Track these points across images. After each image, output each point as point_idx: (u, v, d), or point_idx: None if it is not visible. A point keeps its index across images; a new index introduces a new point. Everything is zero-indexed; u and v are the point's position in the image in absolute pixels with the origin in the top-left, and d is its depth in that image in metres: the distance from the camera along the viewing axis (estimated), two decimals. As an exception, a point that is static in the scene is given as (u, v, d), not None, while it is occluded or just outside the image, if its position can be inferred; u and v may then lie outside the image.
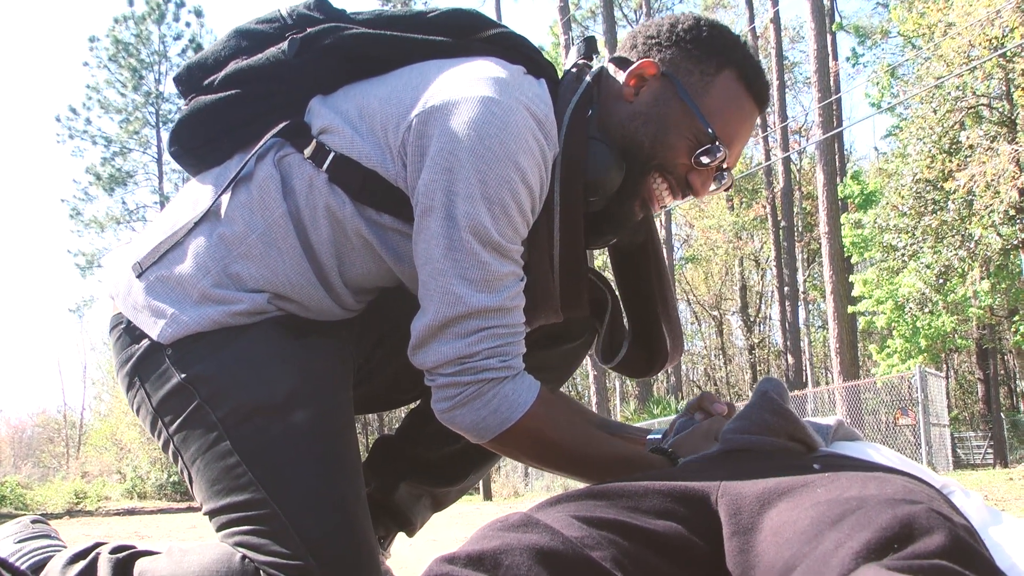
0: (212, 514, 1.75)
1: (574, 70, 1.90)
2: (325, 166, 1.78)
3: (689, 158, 1.82)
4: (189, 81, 1.98)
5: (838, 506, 1.03)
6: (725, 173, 1.88)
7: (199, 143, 1.97)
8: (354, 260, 1.85)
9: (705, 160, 1.81)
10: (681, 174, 1.84)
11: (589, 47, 1.97)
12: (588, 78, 1.87)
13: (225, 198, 1.85)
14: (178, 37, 40.57)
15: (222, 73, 1.93)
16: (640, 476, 1.41)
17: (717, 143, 1.80)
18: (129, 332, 1.85)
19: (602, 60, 1.94)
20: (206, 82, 1.95)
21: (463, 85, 1.70)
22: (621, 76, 1.85)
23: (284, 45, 1.88)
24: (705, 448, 1.72)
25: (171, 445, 1.82)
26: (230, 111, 1.91)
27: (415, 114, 1.70)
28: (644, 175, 1.84)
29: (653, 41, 1.85)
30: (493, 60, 1.81)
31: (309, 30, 1.87)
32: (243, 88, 1.90)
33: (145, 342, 1.82)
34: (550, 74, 1.89)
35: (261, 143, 1.84)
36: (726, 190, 1.95)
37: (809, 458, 1.37)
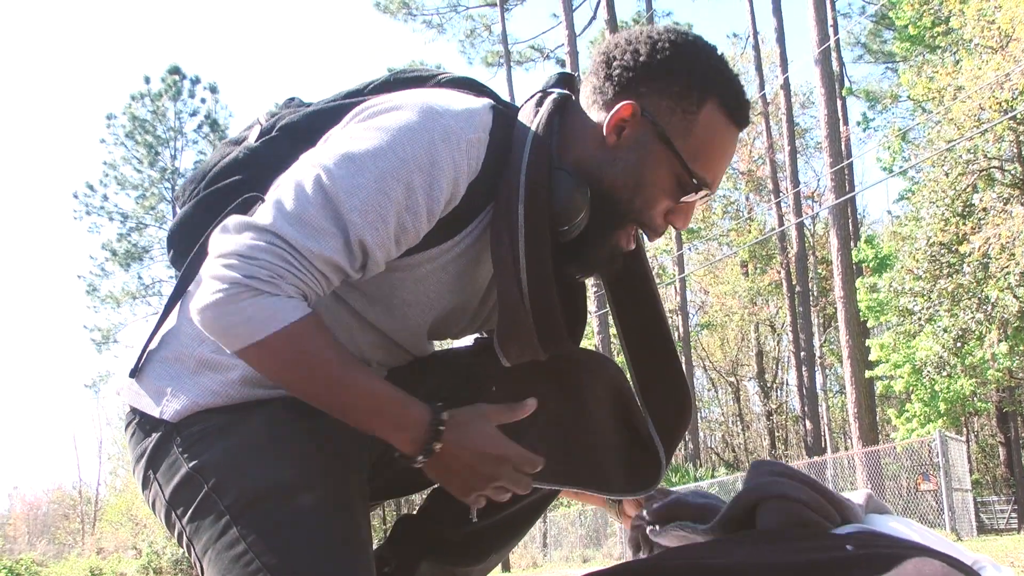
0: None
1: (536, 96, 1.87)
2: None
3: (671, 200, 1.78)
4: (183, 195, 2.05)
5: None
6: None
7: (188, 246, 1.97)
8: (329, 317, 1.82)
9: (686, 201, 1.78)
10: (659, 222, 1.80)
11: (566, 82, 1.93)
12: (550, 105, 1.83)
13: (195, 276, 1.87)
14: (194, 113, 41.02)
15: (205, 180, 1.99)
16: (671, 554, 1.39)
17: (699, 185, 1.75)
18: (141, 427, 1.85)
19: (572, 85, 1.92)
20: (194, 191, 2.01)
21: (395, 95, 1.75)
22: (597, 113, 1.80)
23: (251, 138, 1.97)
24: (477, 446, 1.70)
25: (184, 536, 1.80)
26: (210, 210, 1.93)
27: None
28: (619, 228, 1.81)
29: (629, 75, 1.77)
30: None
31: (272, 120, 1.95)
32: (221, 185, 1.95)
33: (155, 435, 1.81)
34: (505, 105, 1.88)
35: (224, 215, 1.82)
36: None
37: (841, 537, 1.35)
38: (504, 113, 1.81)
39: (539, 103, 1.84)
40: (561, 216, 1.76)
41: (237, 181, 1.94)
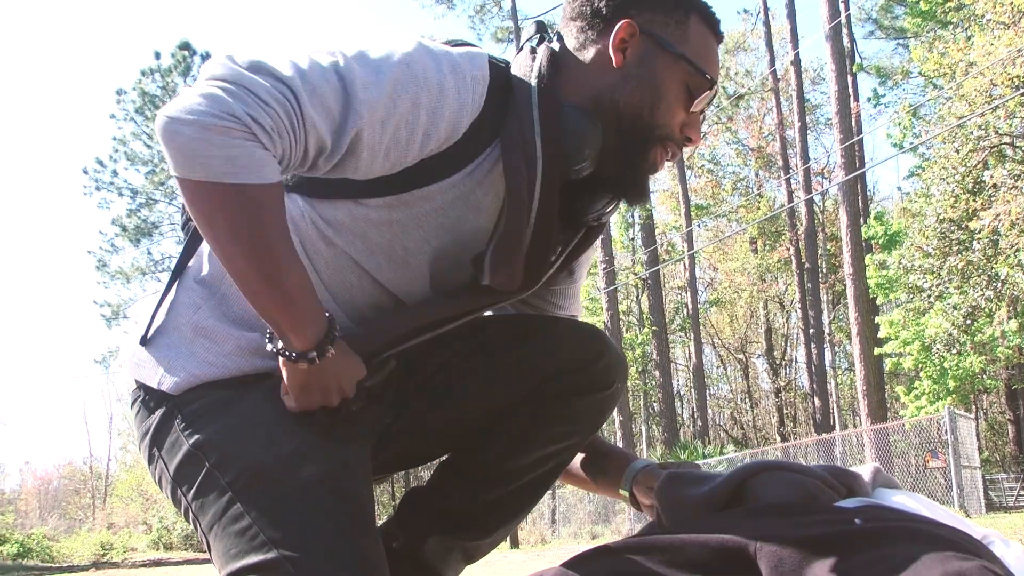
0: None
1: (525, 48, 1.90)
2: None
3: (684, 110, 1.83)
4: None
5: (884, 561, 1.01)
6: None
7: None
8: (330, 273, 1.83)
9: (701, 107, 1.84)
10: (679, 136, 1.85)
11: (540, 29, 1.95)
12: (546, 50, 1.85)
13: (197, 246, 1.88)
14: (203, 89, 40.99)
15: None
16: (676, 528, 1.39)
17: (709, 81, 1.82)
18: (145, 404, 1.86)
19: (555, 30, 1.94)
20: None
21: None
22: (592, 47, 1.84)
23: None
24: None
25: (190, 513, 1.81)
26: None
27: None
28: (648, 148, 1.83)
29: (616, 2, 1.84)
30: None
31: None
32: None
33: (159, 413, 1.82)
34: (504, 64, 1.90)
35: None
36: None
37: (850, 511, 1.35)
38: (500, 62, 1.84)
39: (532, 52, 1.86)
40: (573, 153, 1.78)
41: None
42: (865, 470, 1.73)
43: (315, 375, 1.70)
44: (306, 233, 1.80)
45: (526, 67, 1.83)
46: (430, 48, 1.70)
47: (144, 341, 1.88)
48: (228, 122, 1.49)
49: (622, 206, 2.05)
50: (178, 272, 1.93)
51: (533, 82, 1.78)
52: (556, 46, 1.88)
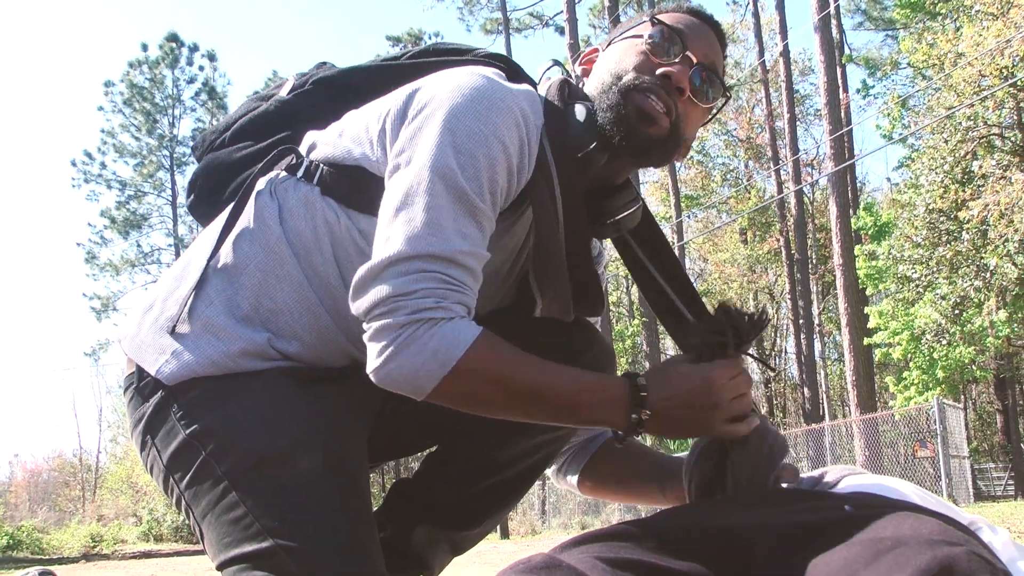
0: (222, 566, 1.73)
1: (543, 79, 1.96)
2: (316, 179, 1.81)
3: (655, 57, 1.85)
4: (203, 145, 2.09)
5: (872, 546, 1.01)
6: (710, 75, 1.89)
7: (212, 191, 2.03)
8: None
9: (659, 42, 1.85)
10: (652, 78, 1.84)
11: (556, 64, 2.02)
12: (558, 77, 1.93)
13: (227, 235, 1.87)
14: (191, 81, 40.92)
15: (230, 131, 2.04)
16: (665, 515, 1.39)
17: (659, 22, 1.86)
18: (140, 391, 1.85)
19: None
20: (217, 141, 2.05)
21: (442, 73, 1.77)
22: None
23: (283, 91, 2.02)
24: (680, 388, 1.68)
25: (183, 502, 1.81)
26: (239, 159, 1.99)
27: (396, 100, 1.76)
28: (626, 100, 1.82)
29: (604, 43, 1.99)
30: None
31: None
32: (251, 138, 2.00)
33: (153, 400, 1.82)
34: (531, 83, 1.97)
35: (255, 175, 1.89)
36: (726, 96, 1.96)
37: (839, 498, 1.36)
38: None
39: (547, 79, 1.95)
40: (578, 139, 1.83)
41: (270, 135, 2.00)
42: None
43: (671, 414, 1.71)
44: (340, 237, 1.81)
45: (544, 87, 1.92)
46: (504, 100, 1.71)
47: (146, 321, 1.88)
48: (406, 332, 1.58)
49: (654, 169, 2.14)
50: (197, 257, 1.92)
51: (543, 96, 1.86)
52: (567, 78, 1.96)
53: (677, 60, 1.84)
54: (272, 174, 1.89)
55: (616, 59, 1.88)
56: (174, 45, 40.32)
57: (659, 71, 1.83)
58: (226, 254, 1.85)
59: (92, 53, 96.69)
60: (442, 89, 1.70)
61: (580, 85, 1.94)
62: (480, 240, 1.66)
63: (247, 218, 1.85)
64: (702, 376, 1.71)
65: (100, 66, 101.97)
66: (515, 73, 1.96)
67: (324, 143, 1.86)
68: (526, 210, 1.84)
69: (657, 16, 1.88)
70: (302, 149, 1.91)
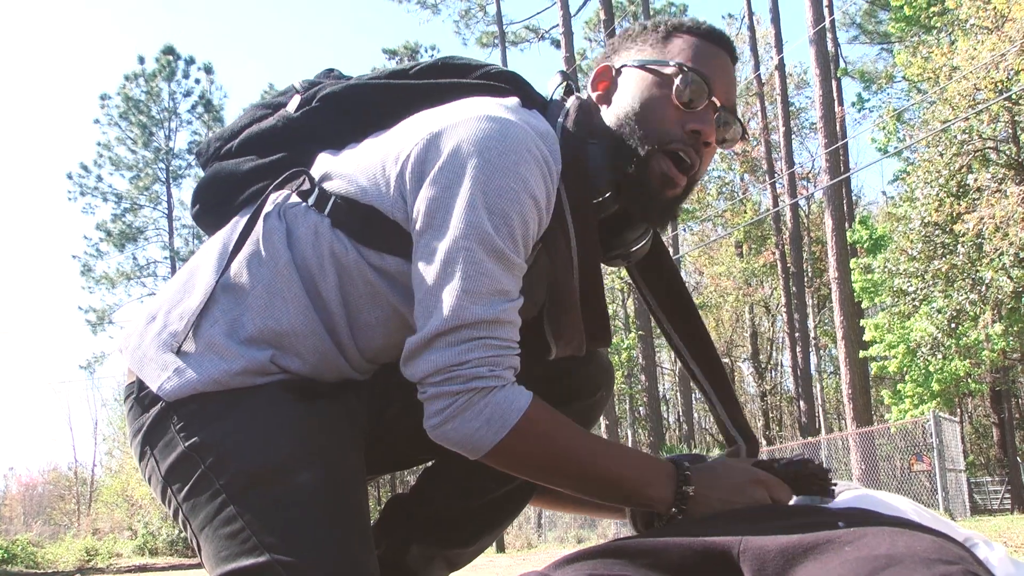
0: None
1: (557, 98, 1.94)
2: (327, 210, 1.80)
3: (680, 106, 1.81)
4: (208, 151, 2.06)
5: (868, 564, 1.01)
6: (730, 116, 1.87)
7: (218, 203, 2.01)
8: (362, 307, 1.84)
9: (688, 94, 1.81)
10: (681, 133, 1.82)
11: (566, 80, 2.00)
12: (571, 99, 1.91)
13: (235, 254, 1.86)
14: (188, 94, 41.05)
15: (237, 140, 2.01)
16: (659, 531, 1.39)
17: (689, 69, 1.80)
18: (140, 401, 1.85)
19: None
20: (223, 149, 2.03)
21: (461, 112, 1.73)
22: (590, 94, 1.93)
23: (291, 106, 1.98)
24: (726, 479, 1.70)
25: (180, 514, 1.81)
26: (246, 173, 1.97)
27: (414, 143, 1.72)
28: (648, 160, 1.81)
29: (608, 52, 1.96)
30: (488, 95, 1.85)
31: (312, 89, 1.97)
32: (257, 151, 1.97)
33: (153, 411, 1.81)
34: (543, 104, 1.94)
35: (265, 194, 1.88)
36: (743, 138, 1.96)
37: (832, 513, 1.35)
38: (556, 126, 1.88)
39: (562, 102, 1.93)
40: (596, 186, 1.83)
41: (277, 151, 1.97)
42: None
43: (708, 503, 1.71)
44: (347, 269, 1.81)
45: (558, 112, 1.89)
46: (528, 150, 1.69)
47: (156, 330, 1.87)
48: (461, 400, 1.63)
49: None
50: (203, 271, 1.91)
51: (558, 131, 1.83)
52: (585, 92, 1.95)
53: (703, 108, 1.82)
54: (282, 195, 1.88)
55: (639, 101, 1.83)
56: (170, 58, 40.43)
57: (689, 127, 1.81)
58: (233, 273, 1.85)
59: (88, 66, 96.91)
60: (466, 140, 1.67)
61: (594, 106, 1.91)
62: (517, 290, 1.69)
63: (256, 239, 1.84)
64: (750, 477, 1.75)
65: (96, 79, 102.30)
66: (527, 95, 1.94)
67: (337, 176, 1.83)
68: (539, 254, 1.84)
69: (688, 65, 1.81)
70: (314, 172, 1.89)
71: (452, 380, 1.62)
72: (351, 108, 1.93)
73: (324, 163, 1.89)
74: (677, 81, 1.80)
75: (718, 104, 1.83)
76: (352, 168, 1.81)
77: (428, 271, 1.65)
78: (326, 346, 1.85)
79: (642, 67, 1.85)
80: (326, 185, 1.83)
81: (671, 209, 1.88)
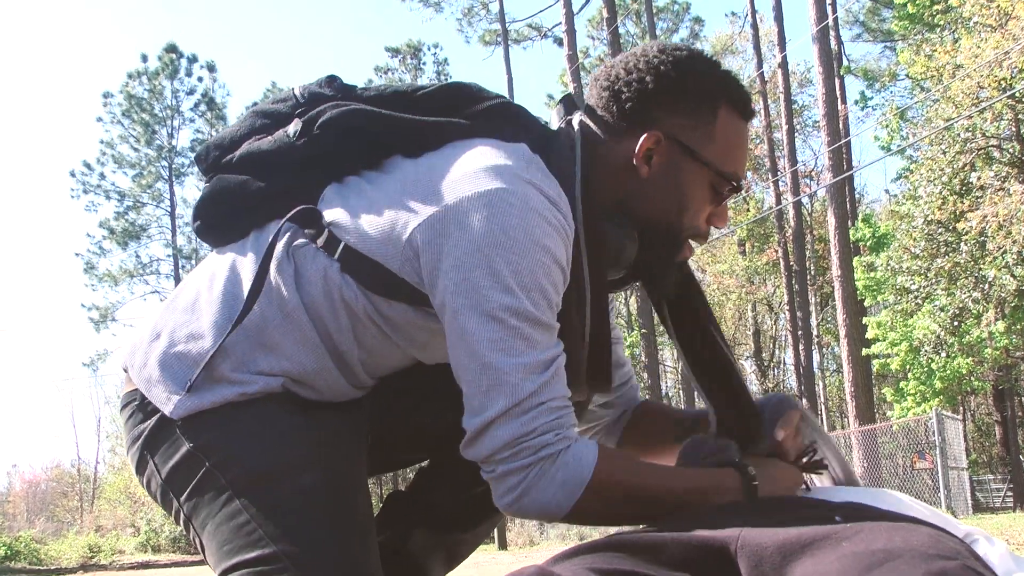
0: (225, 573, 1.74)
1: (562, 137, 1.88)
2: (336, 255, 1.77)
3: (712, 206, 1.87)
4: (207, 159, 2.02)
5: (865, 558, 1.01)
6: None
7: (219, 219, 1.99)
8: (373, 345, 1.85)
9: (726, 201, 1.88)
10: (705, 228, 1.89)
11: (569, 105, 1.97)
12: (579, 144, 1.85)
13: (244, 283, 1.84)
14: (191, 92, 41.00)
15: (237, 153, 1.96)
16: (658, 526, 1.39)
17: (734, 186, 1.84)
18: (141, 409, 1.85)
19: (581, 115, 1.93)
20: (224, 160, 1.98)
21: (471, 179, 1.68)
22: (617, 141, 1.85)
23: (291, 128, 1.90)
24: (783, 482, 1.74)
25: (182, 514, 1.82)
26: (247, 192, 1.93)
27: (427, 212, 1.68)
28: (677, 248, 1.88)
29: (641, 104, 1.83)
30: (494, 143, 1.80)
31: (312, 111, 1.90)
32: (257, 171, 1.93)
33: (155, 418, 1.82)
34: (547, 138, 1.89)
35: (275, 230, 1.83)
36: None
37: (829, 508, 1.35)
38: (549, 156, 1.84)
39: (571, 146, 1.86)
40: (610, 266, 1.84)
41: (278, 174, 1.92)
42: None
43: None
44: (357, 315, 1.80)
45: (567, 161, 1.83)
46: (544, 216, 1.67)
47: (163, 352, 1.86)
48: (535, 471, 1.61)
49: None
50: (210, 300, 1.89)
51: (578, 196, 1.79)
52: (579, 129, 1.89)
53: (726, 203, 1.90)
54: (290, 233, 1.84)
55: (683, 199, 1.84)
56: (173, 56, 40.41)
57: (714, 222, 1.90)
58: (243, 307, 1.82)
59: (91, 64, 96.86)
60: (486, 216, 1.63)
61: (622, 164, 1.85)
62: (557, 343, 1.68)
63: (265, 278, 1.82)
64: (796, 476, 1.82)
65: (99, 77, 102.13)
66: (532, 132, 1.90)
67: (346, 225, 1.78)
68: None
69: (734, 178, 1.85)
70: (322, 207, 1.85)
71: (521, 453, 1.60)
72: (353, 136, 1.88)
73: (332, 204, 1.84)
74: (722, 190, 1.85)
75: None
76: (358, 223, 1.77)
77: (475, 352, 1.62)
78: (335, 377, 1.87)
79: (689, 154, 1.81)
80: (335, 230, 1.79)
81: (671, 283, 1.95)
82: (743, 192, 1.95)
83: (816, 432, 1.97)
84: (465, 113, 1.90)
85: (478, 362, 1.62)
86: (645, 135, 1.80)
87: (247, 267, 1.86)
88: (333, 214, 1.81)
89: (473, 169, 1.71)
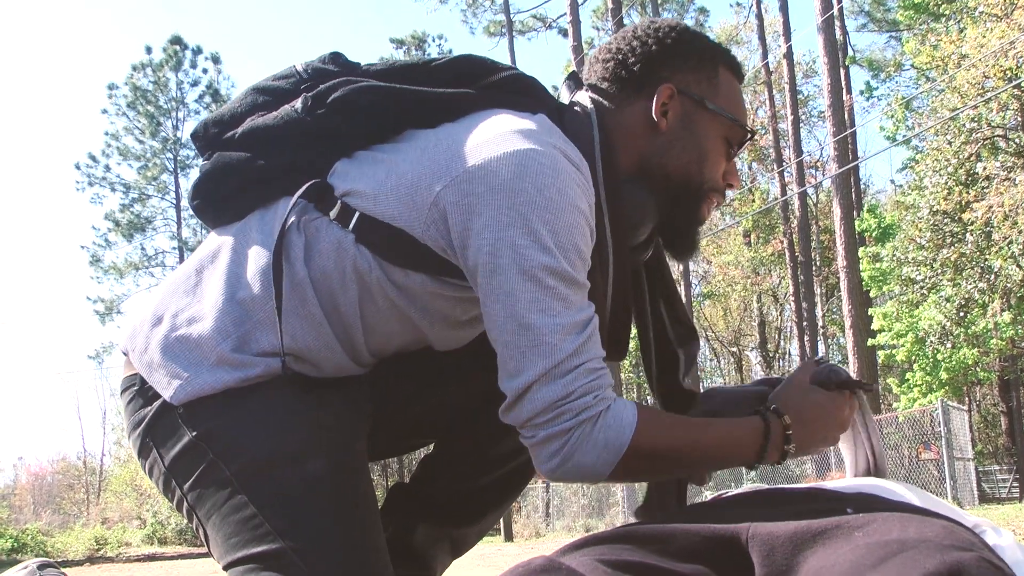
0: (229, 566, 1.73)
1: (576, 108, 1.89)
2: (351, 226, 1.74)
3: (726, 160, 1.91)
4: (205, 137, 1.97)
5: (879, 549, 1.00)
6: None
7: (220, 197, 1.94)
8: (379, 321, 1.82)
9: (740, 152, 1.95)
10: (723, 185, 1.93)
11: (576, 82, 1.97)
12: (593, 113, 1.86)
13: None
14: (195, 83, 41.04)
15: (240, 129, 1.91)
16: (668, 517, 1.39)
17: (745, 132, 1.91)
18: (141, 394, 1.84)
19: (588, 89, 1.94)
20: (225, 137, 1.93)
21: (498, 140, 1.66)
22: (630, 104, 1.88)
23: (298, 103, 1.86)
24: (807, 401, 1.79)
25: (185, 503, 1.80)
26: (250, 168, 1.88)
27: (454, 173, 1.65)
28: (701, 202, 1.91)
29: (649, 64, 1.87)
30: (515, 112, 1.79)
31: (320, 86, 1.86)
32: (261, 147, 1.88)
33: (156, 404, 1.80)
34: (559, 110, 1.90)
35: (289, 207, 1.79)
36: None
37: (841, 499, 1.35)
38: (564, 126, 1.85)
39: (586, 114, 1.87)
40: (634, 229, 1.85)
41: (284, 150, 1.87)
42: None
43: (809, 437, 1.81)
44: (369, 287, 1.78)
45: (583, 129, 1.83)
46: (569, 177, 1.66)
47: (163, 336, 1.83)
48: (577, 434, 1.60)
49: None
50: (212, 279, 1.87)
51: (598, 162, 1.79)
52: (590, 101, 1.90)
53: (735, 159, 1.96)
54: (299, 206, 1.80)
55: (704, 149, 1.88)
56: (178, 48, 40.44)
57: (727, 179, 1.94)
58: (246, 285, 1.81)
59: (96, 56, 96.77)
60: (511, 177, 1.61)
61: (640, 123, 1.87)
62: (589, 304, 1.67)
63: (272, 252, 1.78)
64: (835, 406, 1.85)
65: (104, 69, 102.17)
66: (546, 104, 1.90)
67: (361, 194, 1.75)
68: None
69: (745, 126, 1.92)
70: (333, 180, 1.82)
71: (562, 416, 1.59)
72: (363, 113, 1.84)
73: (344, 176, 1.81)
74: (736, 139, 1.91)
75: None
76: (377, 188, 1.74)
77: (513, 312, 1.60)
78: (339, 356, 1.85)
79: (701, 105, 1.87)
80: (348, 200, 1.76)
81: (697, 242, 1.97)
82: (745, 188, 1.98)
83: (861, 411, 1.99)
84: (478, 85, 1.88)
85: (516, 322, 1.60)
86: (660, 88, 1.84)
87: (253, 246, 1.83)
88: (346, 184, 1.78)
89: (499, 132, 1.69)
